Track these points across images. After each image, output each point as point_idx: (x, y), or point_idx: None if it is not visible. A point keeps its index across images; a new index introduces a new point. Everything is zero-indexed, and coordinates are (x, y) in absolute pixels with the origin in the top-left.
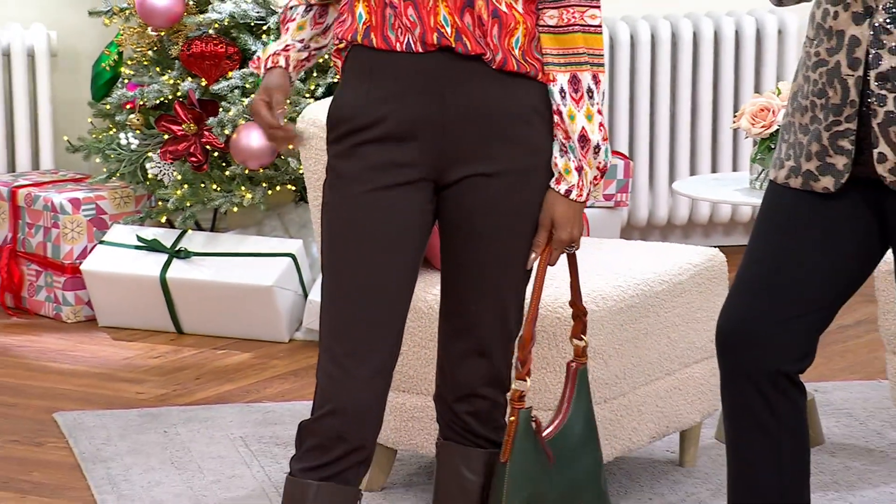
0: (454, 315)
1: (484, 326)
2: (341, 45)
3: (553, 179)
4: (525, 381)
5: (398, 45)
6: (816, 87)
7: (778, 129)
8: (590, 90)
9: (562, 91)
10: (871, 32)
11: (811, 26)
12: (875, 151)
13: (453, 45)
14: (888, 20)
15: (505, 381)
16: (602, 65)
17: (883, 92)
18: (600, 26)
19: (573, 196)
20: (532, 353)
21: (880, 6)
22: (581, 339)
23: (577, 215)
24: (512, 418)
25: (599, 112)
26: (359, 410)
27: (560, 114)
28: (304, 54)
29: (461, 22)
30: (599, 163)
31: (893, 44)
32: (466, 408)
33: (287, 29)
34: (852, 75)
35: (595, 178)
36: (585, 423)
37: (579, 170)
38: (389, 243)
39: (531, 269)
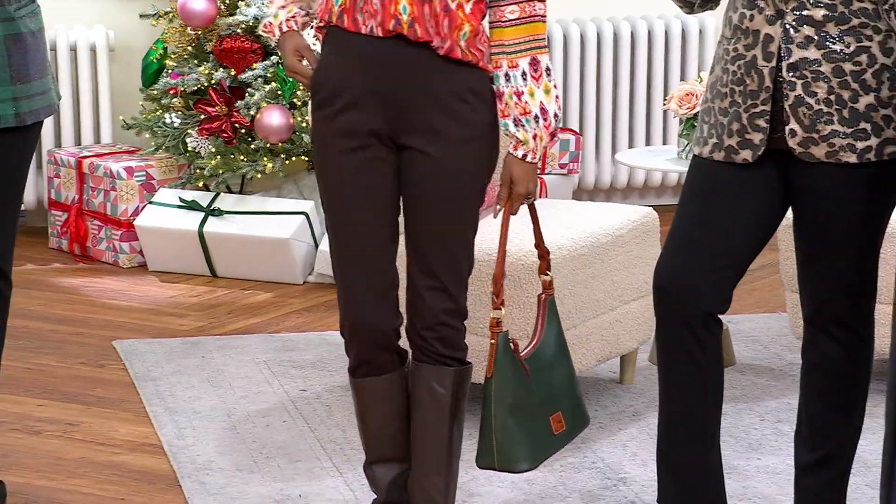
0: (416, 258)
1: (440, 269)
2: (321, 24)
3: (511, 146)
4: (500, 310)
5: (363, 28)
6: (735, 76)
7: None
8: (548, 69)
9: (523, 74)
10: (783, 31)
11: (728, 27)
12: (787, 128)
13: (406, 32)
14: (796, 20)
15: (463, 312)
16: (547, 47)
17: (793, 79)
18: (541, 14)
19: (528, 158)
20: (504, 287)
21: (789, 9)
22: (547, 275)
23: (531, 173)
24: (492, 341)
25: (555, 86)
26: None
27: (504, 95)
28: (307, 18)
29: (419, 11)
30: (551, 128)
31: (801, 40)
32: (433, 334)
33: None
34: (767, 66)
35: (548, 143)
36: (557, 342)
37: (535, 137)
38: (367, 200)
39: (477, 221)
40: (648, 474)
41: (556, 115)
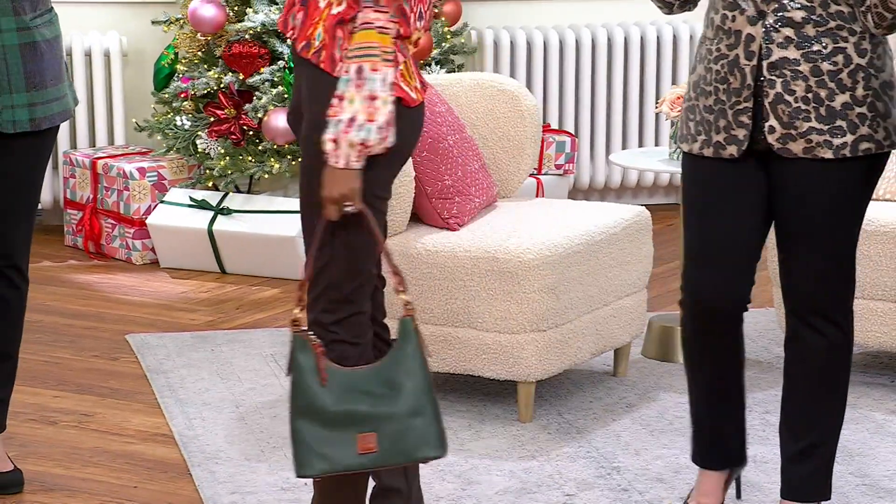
0: None
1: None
2: None
3: None
4: (302, 310)
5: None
6: (719, 75)
7: None
8: (383, 79)
9: (347, 81)
10: (764, 31)
11: (710, 28)
12: (766, 124)
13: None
14: (776, 21)
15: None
16: (385, 60)
17: (773, 77)
18: (383, 27)
19: (330, 161)
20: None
21: (770, 10)
22: (402, 293)
23: (333, 177)
24: (290, 340)
25: (373, 97)
26: None
27: (337, 97)
28: None
29: (298, 22)
30: (352, 137)
31: (781, 40)
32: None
33: None
34: (748, 65)
35: (358, 150)
36: (406, 367)
37: (333, 141)
38: None
39: (328, 224)
40: (641, 463)
41: (368, 127)
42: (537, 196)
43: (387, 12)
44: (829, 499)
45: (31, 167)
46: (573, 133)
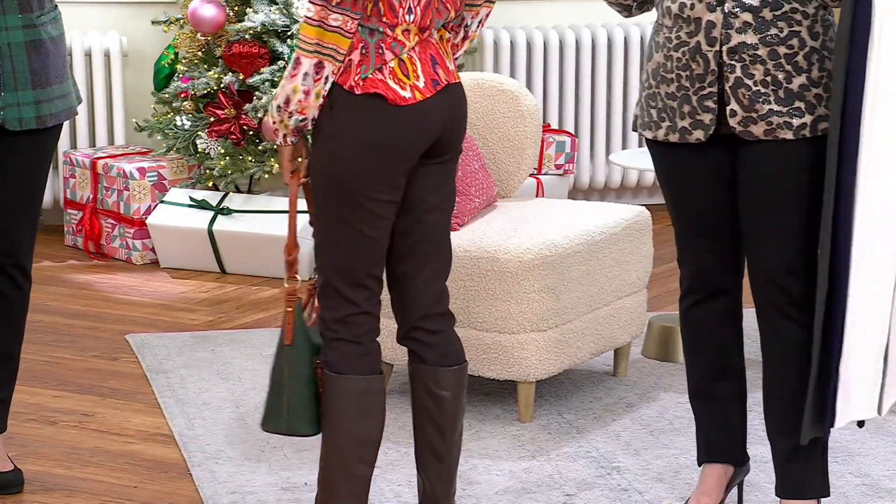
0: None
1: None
2: None
3: None
4: (296, 280)
5: None
6: (680, 62)
7: None
8: (306, 74)
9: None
10: (723, 17)
11: (668, 17)
12: (728, 108)
13: None
14: (735, 7)
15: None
16: (307, 51)
17: (732, 62)
18: (311, 18)
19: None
20: (298, 259)
21: None
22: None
23: (279, 153)
24: (289, 309)
25: (287, 80)
26: None
27: None
28: None
29: None
30: (270, 114)
31: (739, 25)
32: None
33: None
34: (710, 50)
35: (272, 126)
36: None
37: (264, 121)
38: None
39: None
40: (641, 463)
41: (281, 108)
42: (537, 196)
43: (341, 13)
44: (828, 495)
45: (36, 165)
46: (573, 133)
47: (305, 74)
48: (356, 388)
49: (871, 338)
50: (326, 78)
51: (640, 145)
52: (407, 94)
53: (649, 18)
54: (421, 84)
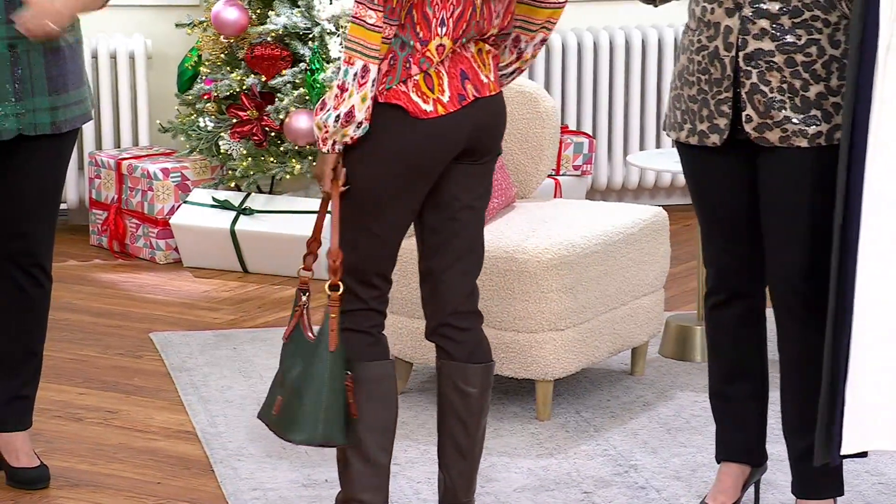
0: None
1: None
2: None
3: None
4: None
5: None
6: (700, 66)
7: None
8: (356, 73)
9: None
10: (740, 22)
11: (692, 19)
12: (743, 114)
13: None
14: (752, 13)
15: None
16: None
17: (749, 68)
18: (356, 17)
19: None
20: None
21: (746, 2)
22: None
23: (319, 159)
24: (332, 315)
25: (343, 88)
26: None
27: None
28: None
29: None
30: (323, 121)
31: (756, 31)
32: None
33: None
34: (728, 56)
35: (323, 133)
36: (321, 353)
37: (316, 124)
38: None
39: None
40: (658, 461)
41: (330, 113)
42: (555, 197)
43: (380, 10)
44: (843, 494)
45: (53, 169)
46: (591, 134)
47: (355, 75)
48: (368, 375)
49: (883, 361)
50: (373, 81)
51: (658, 146)
52: (429, 107)
53: (667, 20)
54: (445, 98)
